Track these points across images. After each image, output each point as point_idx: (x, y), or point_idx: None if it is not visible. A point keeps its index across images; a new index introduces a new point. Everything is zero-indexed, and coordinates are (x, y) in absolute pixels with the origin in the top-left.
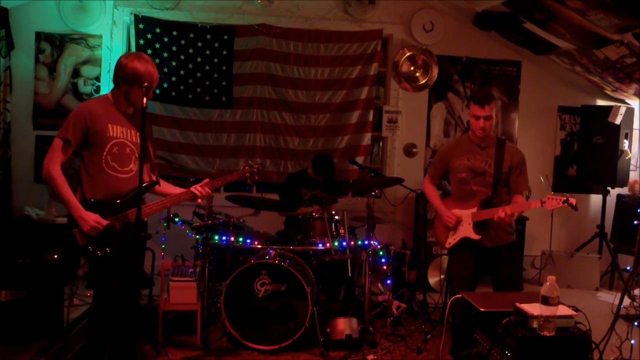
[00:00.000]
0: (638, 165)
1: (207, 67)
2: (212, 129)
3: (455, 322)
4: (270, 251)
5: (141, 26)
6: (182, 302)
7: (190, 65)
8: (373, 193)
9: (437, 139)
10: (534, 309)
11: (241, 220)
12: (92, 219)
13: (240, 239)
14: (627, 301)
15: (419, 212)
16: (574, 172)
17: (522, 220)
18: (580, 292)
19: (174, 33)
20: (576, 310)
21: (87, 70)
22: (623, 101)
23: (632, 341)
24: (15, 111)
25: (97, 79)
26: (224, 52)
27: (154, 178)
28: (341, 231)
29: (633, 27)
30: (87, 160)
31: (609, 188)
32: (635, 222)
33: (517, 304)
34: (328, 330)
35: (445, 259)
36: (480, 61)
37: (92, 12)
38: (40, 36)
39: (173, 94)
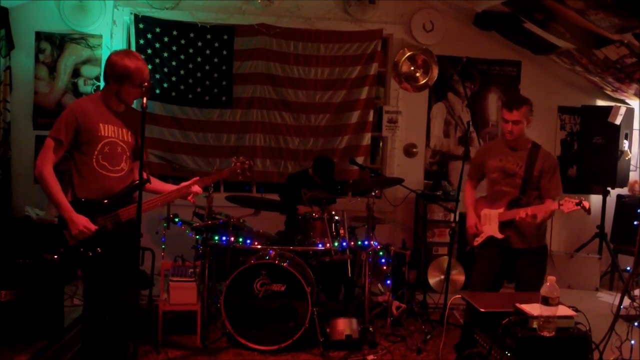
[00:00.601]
0: (638, 166)
1: (207, 67)
2: (212, 128)
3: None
4: (270, 251)
5: (141, 26)
6: (182, 302)
7: (190, 65)
8: (373, 193)
9: (437, 139)
10: (534, 309)
11: (241, 221)
12: (81, 223)
13: (240, 239)
14: (627, 301)
15: (419, 213)
16: (574, 173)
17: None
18: (580, 293)
19: (174, 33)
20: (576, 310)
21: (87, 70)
22: (623, 101)
23: (632, 341)
24: (15, 111)
25: (97, 78)
26: (224, 52)
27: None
28: (341, 231)
29: (633, 27)
30: (78, 159)
31: (609, 188)
32: (635, 222)
33: (517, 305)
34: (328, 330)
35: (445, 259)
36: (481, 61)
37: (92, 12)
38: (40, 36)
39: (173, 93)
